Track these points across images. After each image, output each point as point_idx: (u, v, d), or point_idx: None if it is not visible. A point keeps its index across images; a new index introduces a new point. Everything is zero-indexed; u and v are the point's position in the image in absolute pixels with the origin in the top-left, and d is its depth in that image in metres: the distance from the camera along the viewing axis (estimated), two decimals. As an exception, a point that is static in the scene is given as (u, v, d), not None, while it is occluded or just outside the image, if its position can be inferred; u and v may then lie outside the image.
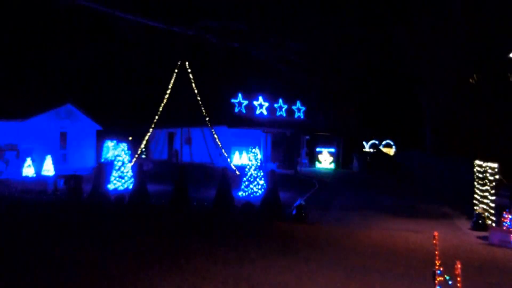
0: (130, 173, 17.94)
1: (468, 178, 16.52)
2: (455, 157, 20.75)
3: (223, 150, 28.99)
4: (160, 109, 28.79)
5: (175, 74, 27.94)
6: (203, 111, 28.93)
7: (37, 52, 35.65)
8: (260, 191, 15.97)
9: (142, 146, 29.14)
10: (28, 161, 20.43)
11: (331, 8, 33.98)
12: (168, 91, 28.52)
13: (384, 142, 51.15)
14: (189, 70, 27.08)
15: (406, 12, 28.98)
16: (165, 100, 27.95)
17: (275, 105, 38.43)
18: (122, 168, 17.66)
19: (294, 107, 39.36)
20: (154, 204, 13.96)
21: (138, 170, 15.09)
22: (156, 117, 28.68)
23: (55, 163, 22.73)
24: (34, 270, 7.30)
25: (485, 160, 12.87)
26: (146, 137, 29.70)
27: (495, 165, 12.19)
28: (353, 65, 37.64)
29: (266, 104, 37.47)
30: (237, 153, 32.08)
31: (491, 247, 9.88)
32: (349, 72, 38.30)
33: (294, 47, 35.66)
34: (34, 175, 19.89)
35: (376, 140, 49.61)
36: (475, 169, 13.57)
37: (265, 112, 37.01)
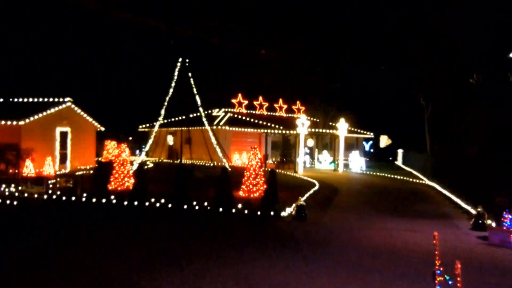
0: (130, 173, 17.93)
1: (467, 178, 16.55)
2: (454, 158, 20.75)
3: (224, 151, 28.96)
4: (161, 109, 28.74)
5: (175, 74, 27.92)
6: (203, 111, 28.92)
7: (37, 52, 35.66)
8: (260, 191, 15.96)
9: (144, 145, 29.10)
10: (28, 161, 20.43)
11: (330, 7, 34.00)
12: (168, 91, 28.49)
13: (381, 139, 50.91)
14: (189, 70, 27.07)
15: (406, 10, 28.98)
16: (167, 98, 27.90)
17: (275, 105, 38.39)
18: (122, 168, 17.64)
19: (294, 107, 39.34)
20: (154, 204, 13.96)
21: (138, 170, 15.08)
22: (159, 116, 28.63)
23: (55, 163, 22.73)
24: (33, 271, 7.30)
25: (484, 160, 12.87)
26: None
27: None
28: (352, 64, 37.64)
29: (266, 104, 37.43)
30: (237, 153, 32.08)
31: (491, 247, 9.88)
32: (348, 71, 38.30)
33: (293, 46, 35.67)
34: (34, 175, 19.87)
35: (375, 140, 49.49)
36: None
37: (265, 112, 37.00)
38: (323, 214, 13.62)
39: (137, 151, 37.13)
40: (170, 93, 25.71)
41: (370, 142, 50.30)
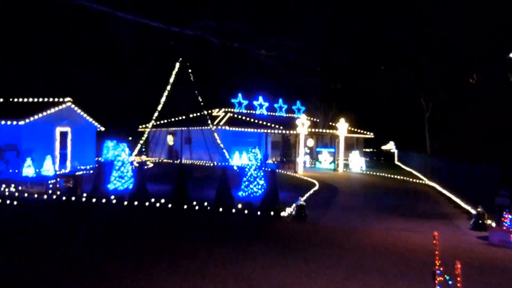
0: (130, 173, 17.94)
1: (467, 178, 16.55)
2: (454, 158, 20.76)
3: (224, 151, 28.97)
4: (159, 108, 28.75)
5: (174, 74, 27.94)
6: (203, 111, 28.94)
7: (37, 52, 35.65)
8: (260, 191, 15.97)
9: (140, 142, 29.11)
10: (28, 161, 20.42)
11: (330, 8, 34.01)
12: (168, 91, 28.49)
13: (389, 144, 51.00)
14: (189, 70, 27.09)
15: (405, 11, 29.00)
16: (163, 98, 27.91)
17: (275, 105, 38.39)
18: (122, 168, 17.65)
19: (294, 107, 39.33)
20: (154, 204, 13.96)
21: (138, 170, 15.08)
22: (156, 114, 28.62)
23: (55, 163, 22.73)
24: (33, 271, 7.30)
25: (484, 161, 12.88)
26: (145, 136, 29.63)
27: None
28: (352, 64, 37.65)
29: (266, 104, 37.42)
30: (237, 153, 32.09)
31: (491, 247, 9.88)
32: (348, 71, 38.30)
33: (293, 46, 35.67)
34: (34, 175, 19.87)
35: (376, 140, 49.39)
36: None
37: (265, 112, 36.99)
38: (323, 214, 13.62)
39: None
40: (166, 94, 25.78)
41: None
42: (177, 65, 27.10)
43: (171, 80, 27.31)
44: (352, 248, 9.38)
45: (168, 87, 28.14)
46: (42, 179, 17.23)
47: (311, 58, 38.39)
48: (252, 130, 33.66)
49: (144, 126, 40.07)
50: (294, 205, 13.05)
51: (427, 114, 33.12)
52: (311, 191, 18.30)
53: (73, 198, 14.81)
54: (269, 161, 32.28)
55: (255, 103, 36.71)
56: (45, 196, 15.40)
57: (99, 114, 28.88)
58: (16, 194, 15.73)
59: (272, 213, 12.71)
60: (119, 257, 8.21)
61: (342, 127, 31.18)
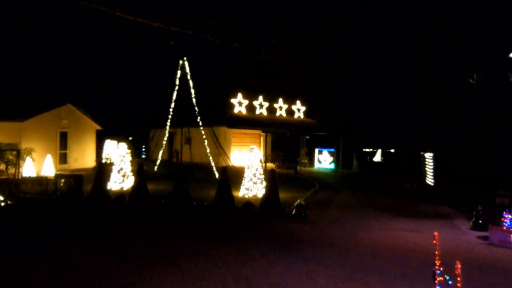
0: (130, 173, 17.95)
1: (467, 179, 16.57)
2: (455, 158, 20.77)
3: (224, 151, 28.95)
4: (160, 109, 28.73)
5: (174, 73, 27.93)
6: (203, 111, 28.89)
7: (37, 52, 35.65)
8: (260, 191, 15.97)
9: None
10: (28, 161, 20.42)
11: (328, 7, 34.04)
12: (168, 91, 28.50)
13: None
14: (189, 70, 27.08)
15: (404, 10, 29.01)
16: (164, 98, 27.92)
17: (275, 105, 38.39)
18: (122, 168, 17.65)
19: (294, 107, 39.31)
20: (154, 204, 13.96)
21: (138, 170, 15.08)
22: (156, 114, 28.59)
23: (55, 163, 22.74)
24: (33, 271, 7.30)
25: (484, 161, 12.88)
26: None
27: None
28: (352, 64, 37.66)
29: (266, 104, 37.42)
30: (237, 153, 32.10)
31: (491, 247, 9.88)
32: (348, 71, 38.31)
33: (292, 46, 35.70)
34: (34, 175, 19.87)
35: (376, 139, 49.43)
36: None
37: (265, 112, 36.98)
38: (323, 214, 13.61)
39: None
40: (174, 97, 25.83)
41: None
42: (177, 64, 27.11)
43: (171, 79, 27.33)
44: (352, 248, 9.38)
45: (168, 87, 28.16)
46: (42, 179, 17.23)
47: (311, 57, 38.38)
48: (252, 130, 33.67)
49: (144, 126, 40.06)
50: (294, 205, 13.05)
51: (427, 115, 33.11)
52: (311, 191, 18.30)
53: (73, 198, 14.80)
54: (269, 161, 32.26)
55: (255, 103, 36.70)
56: (45, 196, 15.40)
57: (99, 114, 28.88)
58: (16, 194, 15.72)
59: (272, 213, 12.71)
60: (119, 257, 8.20)
61: (343, 127, 31.19)
